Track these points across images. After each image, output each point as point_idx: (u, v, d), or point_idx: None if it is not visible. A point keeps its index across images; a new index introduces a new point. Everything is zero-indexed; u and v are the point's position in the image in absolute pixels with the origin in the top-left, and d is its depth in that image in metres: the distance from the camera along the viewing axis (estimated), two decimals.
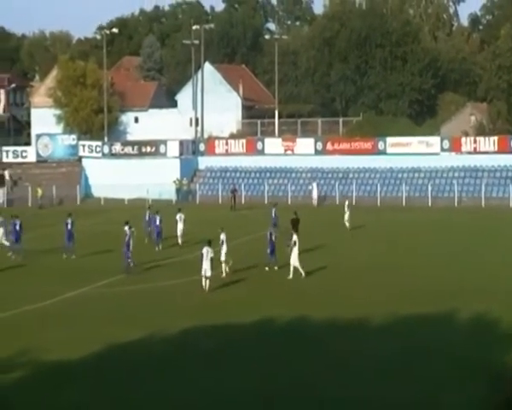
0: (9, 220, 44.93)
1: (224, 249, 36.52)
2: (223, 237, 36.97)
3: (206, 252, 33.88)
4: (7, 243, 44.61)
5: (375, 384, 21.80)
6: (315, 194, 69.84)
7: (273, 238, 38.27)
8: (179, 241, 46.40)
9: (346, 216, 51.50)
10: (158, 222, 45.75)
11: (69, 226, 43.53)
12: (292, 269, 36.25)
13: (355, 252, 43.61)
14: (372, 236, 49.93)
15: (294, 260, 36.13)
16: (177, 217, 47.04)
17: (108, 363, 24.44)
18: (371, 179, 72.17)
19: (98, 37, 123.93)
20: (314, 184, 70.52)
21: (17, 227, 43.59)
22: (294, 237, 36.49)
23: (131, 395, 21.24)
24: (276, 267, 38.00)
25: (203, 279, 33.80)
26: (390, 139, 74.20)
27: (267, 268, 38.08)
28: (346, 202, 53.12)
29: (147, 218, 47.51)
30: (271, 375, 22.78)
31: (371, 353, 24.70)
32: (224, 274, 36.49)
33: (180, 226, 46.69)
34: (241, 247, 43.65)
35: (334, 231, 51.45)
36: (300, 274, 36.12)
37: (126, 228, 39.37)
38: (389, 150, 73.56)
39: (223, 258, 36.34)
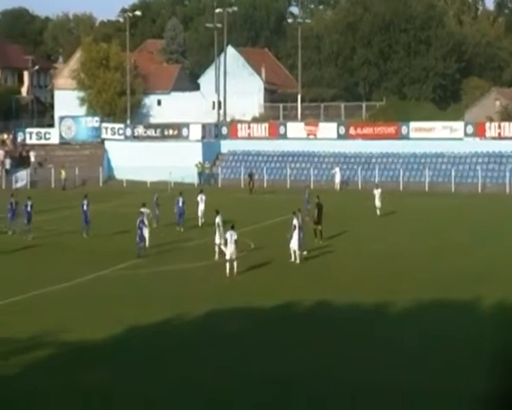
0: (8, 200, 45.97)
1: (217, 232, 36.38)
2: (218, 219, 36.87)
3: (230, 236, 33.84)
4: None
5: (398, 371, 21.69)
6: (337, 178, 69.64)
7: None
8: (200, 222, 46.44)
9: (378, 203, 50.88)
10: (181, 204, 45.79)
11: (85, 207, 44.04)
12: (296, 253, 36.02)
13: (378, 237, 43.41)
14: (395, 221, 49.70)
15: (294, 244, 35.92)
16: (199, 198, 47.08)
17: (130, 345, 24.44)
18: (394, 164, 71.81)
19: (121, 19, 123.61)
20: (337, 169, 70.31)
21: (28, 208, 44.34)
22: (295, 222, 36.11)
23: (153, 377, 21.26)
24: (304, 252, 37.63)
25: (228, 263, 33.74)
26: (413, 124, 73.80)
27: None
28: (379, 190, 51.59)
29: (154, 199, 47.33)
30: (293, 358, 22.74)
31: (393, 338, 24.60)
32: (216, 257, 36.37)
33: (201, 207, 46.72)
34: (263, 231, 43.51)
35: (356, 216, 51.28)
36: (290, 256, 35.86)
37: (142, 210, 39.53)
38: (412, 135, 73.15)
39: (217, 241, 36.20)
